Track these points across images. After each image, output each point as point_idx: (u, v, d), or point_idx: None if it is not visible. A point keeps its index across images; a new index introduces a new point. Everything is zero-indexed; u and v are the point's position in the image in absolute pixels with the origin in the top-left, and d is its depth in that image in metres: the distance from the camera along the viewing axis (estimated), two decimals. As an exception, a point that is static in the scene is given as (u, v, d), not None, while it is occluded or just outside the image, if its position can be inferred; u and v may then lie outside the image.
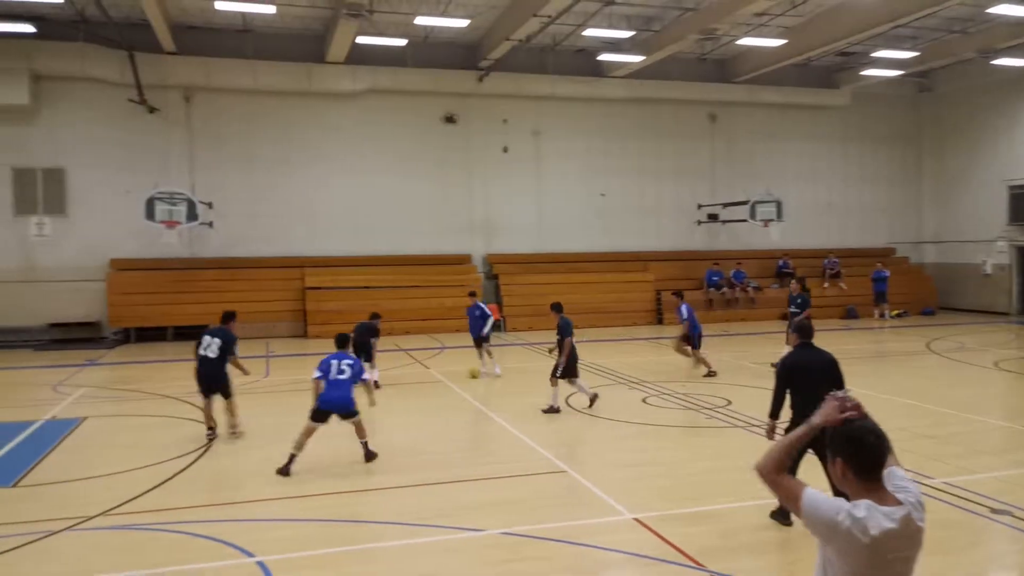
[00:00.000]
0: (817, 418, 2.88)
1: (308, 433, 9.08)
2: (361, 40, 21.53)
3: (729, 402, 12.62)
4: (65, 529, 7.17)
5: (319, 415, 9.14)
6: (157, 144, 22.55)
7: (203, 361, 10.29)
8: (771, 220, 24.92)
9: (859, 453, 2.77)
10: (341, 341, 9.75)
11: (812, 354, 7.22)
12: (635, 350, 19.71)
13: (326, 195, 23.87)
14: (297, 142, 23.64)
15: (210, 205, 22.06)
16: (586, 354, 18.29)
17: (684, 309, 15.52)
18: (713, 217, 26.80)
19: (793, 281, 18.00)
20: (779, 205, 25.07)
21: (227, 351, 10.33)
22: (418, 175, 24.66)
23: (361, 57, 22.89)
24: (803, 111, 28.13)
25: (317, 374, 9.26)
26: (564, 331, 12.00)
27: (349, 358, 9.42)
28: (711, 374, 15.10)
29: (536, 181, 25.83)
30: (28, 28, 19.33)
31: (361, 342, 13.35)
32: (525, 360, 17.98)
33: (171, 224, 20.42)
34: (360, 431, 9.44)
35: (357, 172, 24.10)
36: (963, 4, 19.78)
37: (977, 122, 27.68)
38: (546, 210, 25.90)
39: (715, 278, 25.59)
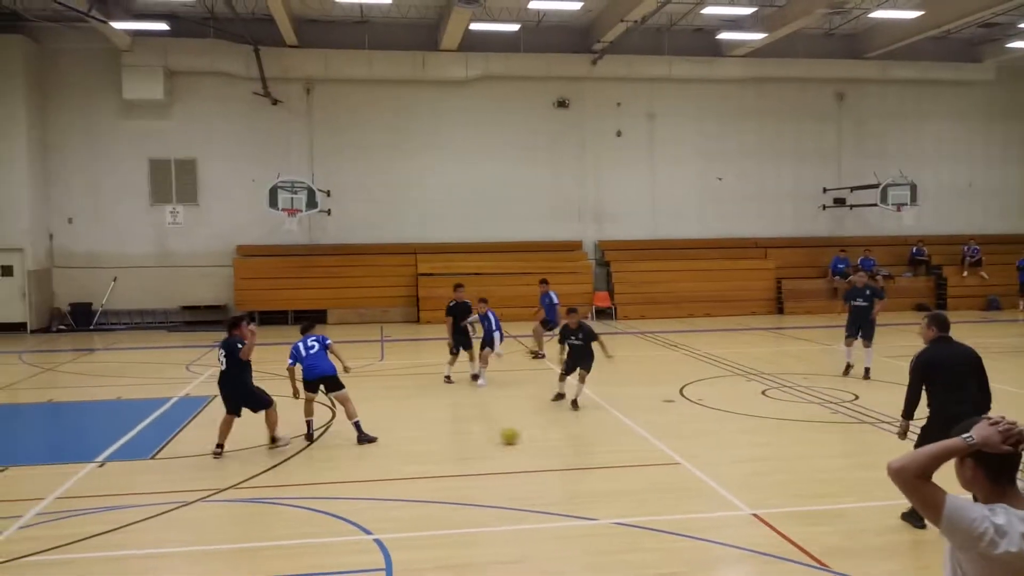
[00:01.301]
0: (977, 439, 2.61)
1: (309, 402, 9.72)
2: (474, 27, 21.63)
3: (856, 397, 11.95)
4: (198, 500, 7.53)
5: (309, 385, 9.69)
6: (279, 135, 23.47)
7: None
8: (904, 204, 23.46)
9: (994, 457, 2.59)
10: (304, 328, 10.37)
11: (951, 348, 6.61)
12: (754, 340, 19.01)
13: (438, 182, 24.20)
14: (410, 130, 24.06)
15: (328, 193, 22.79)
16: (702, 343, 17.83)
17: (552, 295, 15.81)
18: (839, 202, 25.50)
19: (861, 272, 16.28)
20: (913, 188, 23.57)
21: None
22: (529, 161, 24.62)
23: (474, 44, 23.01)
24: (941, 87, 26.27)
25: (289, 361, 9.70)
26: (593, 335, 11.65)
27: (313, 337, 9.94)
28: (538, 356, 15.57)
29: (649, 166, 25.29)
30: (163, 27, 20.46)
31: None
32: (638, 349, 17.66)
33: (292, 212, 21.21)
34: (349, 410, 9.63)
35: (469, 158, 24.30)
36: None
37: None
38: (659, 195, 25.33)
39: (841, 266, 24.32)
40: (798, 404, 11.65)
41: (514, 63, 23.77)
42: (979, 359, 6.49)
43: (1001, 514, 2.54)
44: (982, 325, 21.11)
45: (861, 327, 13.45)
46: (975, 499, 2.66)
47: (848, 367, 13.61)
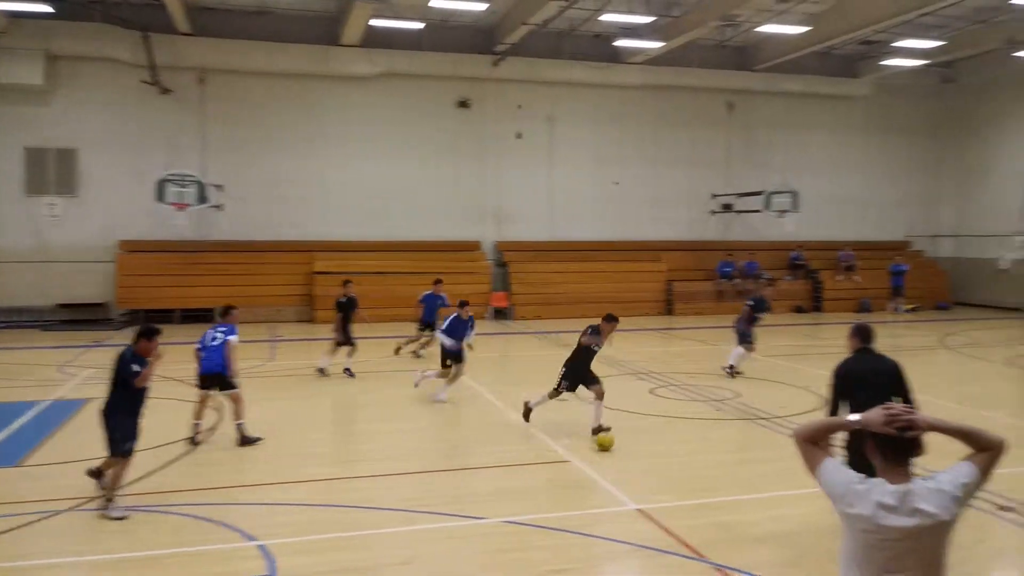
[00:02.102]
0: (862, 420, 3.06)
1: (201, 401, 9.40)
2: (378, 23, 21.40)
3: (739, 395, 12.49)
4: (68, 510, 7.17)
5: (203, 380, 9.41)
6: (170, 126, 22.53)
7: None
8: (786, 211, 24.66)
9: (889, 443, 2.99)
10: (222, 312, 9.93)
11: (872, 360, 6.47)
12: (645, 340, 19.57)
13: (337, 179, 23.81)
14: (310, 125, 23.57)
15: (221, 188, 22.04)
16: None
17: (443, 297, 15.62)
18: (727, 207, 26.55)
19: (759, 279, 17.50)
20: (795, 196, 24.80)
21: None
22: (431, 160, 24.56)
23: (377, 40, 22.75)
24: (823, 101, 27.76)
25: (197, 345, 9.52)
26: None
27: (224, 327, 9.55)
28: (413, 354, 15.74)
29: (549, 168, 25.66)
30: (46, 8, 19.28)
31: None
32: (533, 349, 17.90)
33: (181, 206, 20.40)
34: (237, 410, 9.35)
35: (369, 156, 24.02)
36: (988, -7, 19.41)
37: (999, 115, 27.24)
38: (558, 198, 25.74)
39: (727, 269, 25.38)
40: (684, 402, 12.10)
41: (417, 61, 23.64)
42: (899, 370, 6.40)
43: (867, 483, 2.98)
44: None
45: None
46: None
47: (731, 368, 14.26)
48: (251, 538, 6.49)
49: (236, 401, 9.42)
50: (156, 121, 22.41)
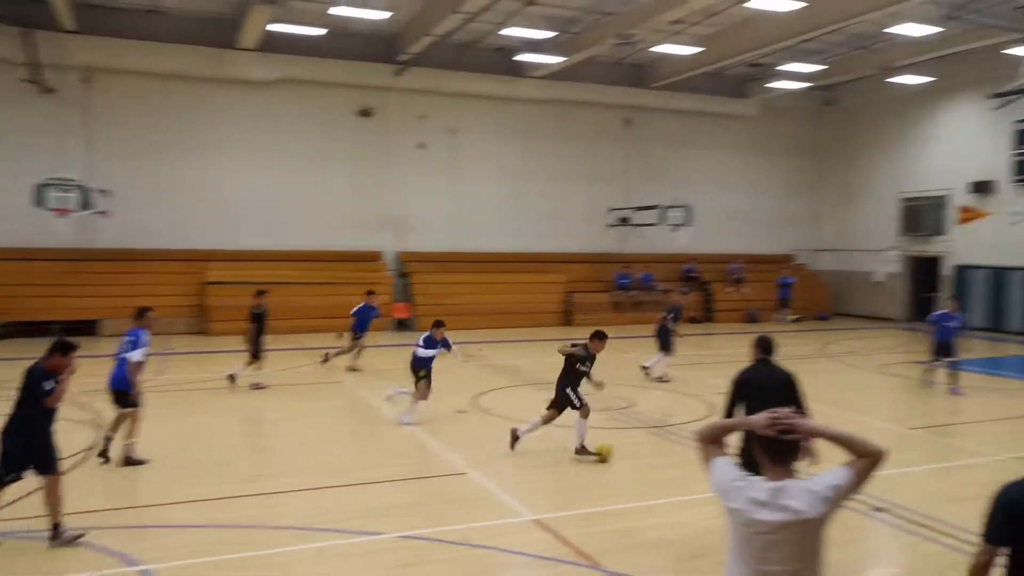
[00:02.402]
0: (747, 421, 3.46)
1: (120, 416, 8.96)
2: (276, 28, 20.97)
3: (633, 404, 12.84)
4: (-71, 537, 6.68)
5: (112, 396, 8.97)
6: (53, 127, 21.35)
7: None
8: (680, 225, 25.52)
9: (770, 444, 3.24)
10: (137, 314, 9.26)
11: (767, 370, 6.78)
12: (545, 350, 19.79)
13: (233, 186, 23.15)
14: (204, 130, 22.84)
15: (107, 193, 21.02)
16: (497, 354, 18.37)
17: (366, 309, 15.71)
18: (624, 221, 27.27)
19: (678, 292, 18.73)
20: (688, 211, 25.70)
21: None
22: (331, 169, 24.21)
23: (277, 45, 22.27)
24: (714, 119, 28.93)
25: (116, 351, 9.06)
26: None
27: (134, 333, 8.93)
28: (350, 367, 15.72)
29: (451, 179, 25.72)
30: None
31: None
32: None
33: (62, 212, 19.37)
34: (131, 429, 8.96)
35: (267, 163, 23.47)
36: (865, 22, 20.72)
37: (875, 137, 29.06)
38: (461, 209, 25.83)
39: (623, 281, 26.08)
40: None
41: (317, 68, 23.27)
42: (792, 381, 6.65)
43: (746, 480, 3.24)
44: (742, 336, 23.39)
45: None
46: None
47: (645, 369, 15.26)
48: (133, 563, 6.23)
49: (134, 420, 8.98)
50: (37, 122, 21.21)
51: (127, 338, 8.95)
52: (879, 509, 7.72)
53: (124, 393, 8.91)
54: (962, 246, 25.80)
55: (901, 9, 18.90)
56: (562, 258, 26.72)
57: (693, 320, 26.68)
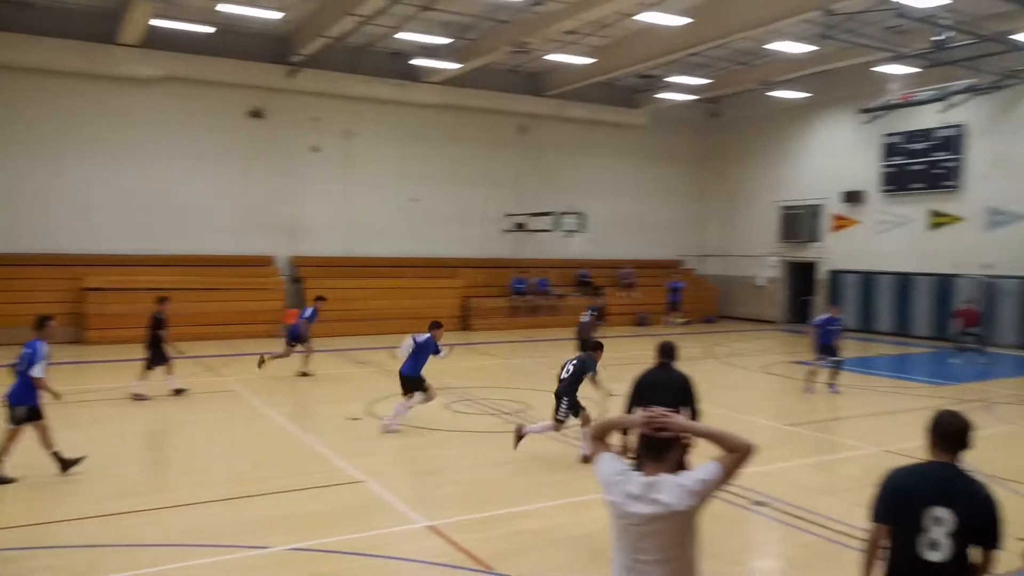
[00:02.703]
0: (628, 419, 3.82)
1: (10, 437, 8.53)
2: (162, 24, 20.13)
3: (529, 407, 12.99)
4: None
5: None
6: (-94, 121, 19.78)
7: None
8: (573, 231, 25.99)
9: (646, 441, 3.44)
10: (37, 323, 8.96)
11: (664, 373, 7.21)
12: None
13: (113, 188, 22.00)
14: (81, 129, 21.60)
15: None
16: (391, 360, 18.18)
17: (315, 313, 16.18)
18: (520, 226, 27.56)
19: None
20: (582, 217, 26.22)
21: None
22: (220, 171, 23.40)
23: (162, 42, 21.36)
24: (607, 128, 29.64)
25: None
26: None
27: (30, 346, 8.64)
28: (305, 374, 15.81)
29: (347, 183, 25.34)
30: None
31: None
32: (329, 367, 17.53)
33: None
34: (45, 440, 8.67)
35: (150, 165, 22.43)
36: (746, 39, 21.72)
37: (756, 148, 30.50)
38: (356, 213, 25.47)
39: (520, 285, 26.37)
40: (479, 416, 12.40)
41: (205, 66, 22.45)
42: (687, 384, 7.07)
43: (625, 474, 3.42)
44: (633, 339, 24.07)
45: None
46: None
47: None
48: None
49: (12, 438, 8.52)
50: None
51: (25, 350, 8.60)
52: (759, 503, 8.10)
53: (29, 408, 8.54)
54: (836, 252, 27.42)
55: (779, 27, 19.95)
56: (459, 263, 26.75)
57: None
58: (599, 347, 10.28)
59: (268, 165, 24.09)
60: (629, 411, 6.95)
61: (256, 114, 23.88)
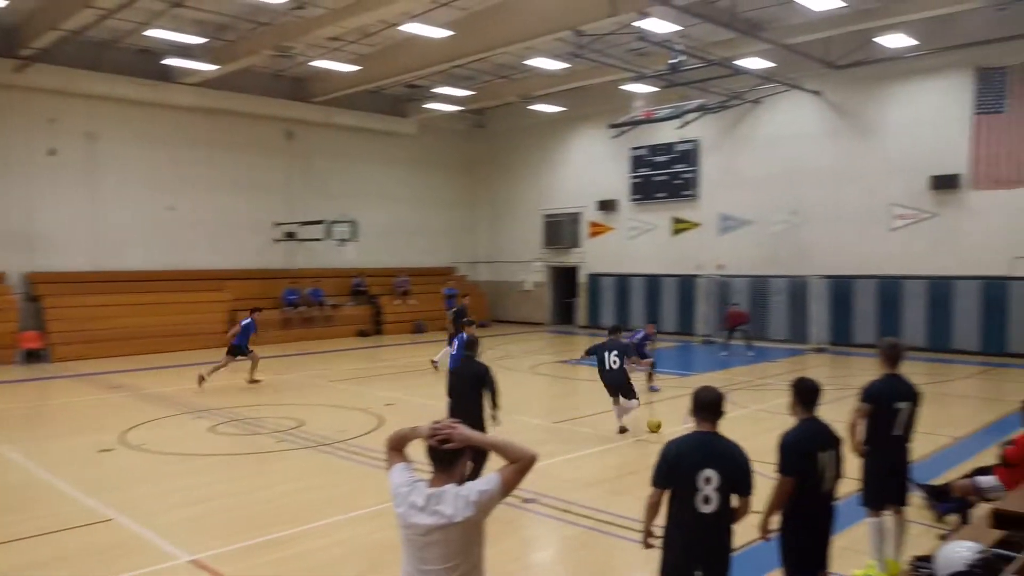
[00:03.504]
0: (416, 431, 3.62)
1: None
2: None
3: (302, 423, 12.65)
4: None
5: None
6: None
7: None
8: (346, 240, 25.65)
9: (433, 453, 3.53)
10: None
11: (468, 365, 8.84)
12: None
13: None
14: None
15: None
16: (149, 382, 16.90)
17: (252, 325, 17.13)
18: (290, 235, 26.73)
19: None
20: (354, 225, 25.91)
21: None
22: (-70, 176, 20.40)
23: None
24: (376, 136, 29.55)
25: None
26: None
27: None
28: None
29: (91, 190, 23.08)
30: None
31: None
32: (76, 395, 15.94)
33: None
34: None
35: None
36: (507, 54, 22.68)
37: (520, 158, 31.92)
38: (103, 223, 23.27)
39: (292, 296, 25.56)
40: (247, 437, 11.87)
41: (-96, 56, 19.46)
42: (485, 372, 8.63)
43: (412, 486, 3.50)
44: (411, 346, 24.26)
45: None
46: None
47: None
48: None
49: None
50: None
51: None
52: (528, 500, 8.51)
53: None
54: (594, 257, 29.41)
55: (535, 44, 21.07)
56: (226, 275, 25.36)
57: (363, 333, 27.00)
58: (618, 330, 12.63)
59: (-6, 170, 21.36)
60: (449, 397, 8.63)
61: (-24, 112, 21.10)
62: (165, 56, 22.39)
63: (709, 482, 4.44)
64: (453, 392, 8.66)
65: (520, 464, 3.49)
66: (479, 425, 8.26)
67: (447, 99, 27.96)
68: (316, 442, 11.40)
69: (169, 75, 23.57)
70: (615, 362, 11.73)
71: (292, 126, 27.26)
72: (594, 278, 29.31)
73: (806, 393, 5.25)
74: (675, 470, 4.54)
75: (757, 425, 11.54)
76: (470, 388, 8.55)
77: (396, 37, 21.94)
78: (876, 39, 20.09)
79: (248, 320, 17.14)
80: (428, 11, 19.23)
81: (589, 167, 29.43)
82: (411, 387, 16.45)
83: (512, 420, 12.38)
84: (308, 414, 13.39)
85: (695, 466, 4.47)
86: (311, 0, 18.92)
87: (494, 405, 8.65)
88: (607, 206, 28.76)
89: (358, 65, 23.58)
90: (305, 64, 24.25)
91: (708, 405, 4.67)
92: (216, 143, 25.48)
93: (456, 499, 3.41)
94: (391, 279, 28.82)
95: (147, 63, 23.08)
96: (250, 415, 13.35)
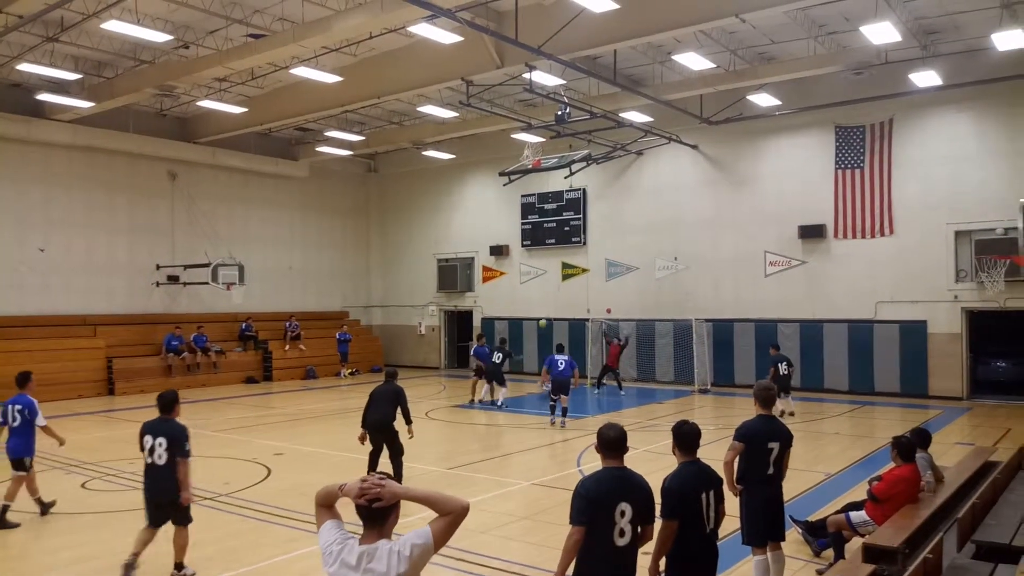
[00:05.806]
0: (344, 489, 3.43)
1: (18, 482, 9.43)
2: None
3: (184, 476, 12.08)
4: None
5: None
6: None
7: None
8: (233, 283, 24.94)
9: (362, 511, 3.39)
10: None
11: (385, 387, 11.30)
12: (79, 427, 17.61)
13: None
14: None
15: None
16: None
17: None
18: (173, 279, 25.75)
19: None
20: (241, 268, 25.25)
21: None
22: None
23: None
24: (265, 179, 29.04)
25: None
26: None
27: (17, 400, 9.57)
28: None
29: (-50, 231, 21.60)
30: None
31: None
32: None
33: None
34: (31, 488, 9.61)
35: None
36: (399, 100, 22.90)
37: (413, 203, 32.02)
38: (-37, 266, 21.78)
39: (175, 343, 24.50)
40: (122, 492, 11.26)
41: None
42: (400, 393, 11.14)
43: (344, 544, 3.37)
44: (302, 393, 23.66)
45: None
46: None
47: None
48: None
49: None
50: None
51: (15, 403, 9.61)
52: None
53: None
54: (487, 301, 29.69)
55: (425, 92, 21.41)
56: (100, 320, 24.11)
57: (251, 380, 26.15)
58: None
59: None
60: (364, 415, 11.18)
61: None
62: (39, 92, 21.40)
63: (624, 515, 4.66)
64: (369, 411, 11.20)
65: (452, 516, 3.41)
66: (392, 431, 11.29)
67: (339, 143, 27.86)
68: (199, 494, 10.91)
69: (42, 111, 22.52)
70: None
71: (176, 166, 26.44)
72: (488, 321, 29.55)
73: (684, 437, 5.55)
74: (595, 505, 4.69)
75: (646, 465, 11.87)
76: (390, 405, 11.27)
77: (286, 80, 21.83)
78: (748, 97, 21.50)
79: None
80: (318, 56, 19.26)
81: (481, 213, 29.85)
82: (301, 435, 16.06)
83: (406, 467, 12.29)
84: (195, 465, 12.80)
85: (613, 501, 4.67)
86: (196, 40, 18.61)
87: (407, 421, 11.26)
88: (499, 251, 29.19)
89: (246, 107, 23.26)
90: (190, 104, 23.72)
91: (613, 442, 4.89)
92: (92, 182, 24.39)
93: (390, 555, 3.31)
94: (282, 323, 28.11)
95: (18, 98, 22.01)
96: (127, 469, 12.67)
